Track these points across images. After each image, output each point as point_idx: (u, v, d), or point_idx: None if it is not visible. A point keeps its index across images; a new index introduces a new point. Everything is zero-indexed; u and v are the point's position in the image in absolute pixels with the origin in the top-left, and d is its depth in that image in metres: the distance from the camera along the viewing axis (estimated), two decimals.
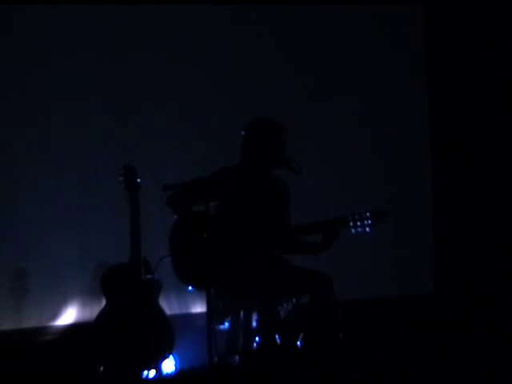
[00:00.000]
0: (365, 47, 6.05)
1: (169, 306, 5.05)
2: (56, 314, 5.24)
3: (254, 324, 4.19)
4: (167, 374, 4.43)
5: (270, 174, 4.38)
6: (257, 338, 4.14)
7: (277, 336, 4.13)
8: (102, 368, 4.38)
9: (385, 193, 5.96)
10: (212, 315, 3.93)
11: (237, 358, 4.16)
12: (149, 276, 4.49)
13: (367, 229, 4.15)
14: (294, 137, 5.44)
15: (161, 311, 4.51)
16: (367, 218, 4.15)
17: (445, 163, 6.16)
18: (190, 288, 4.17)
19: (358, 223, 4.15)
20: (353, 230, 4.17)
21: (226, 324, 4.18)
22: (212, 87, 5.64)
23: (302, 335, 4.18)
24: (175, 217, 4.24)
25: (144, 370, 4.39)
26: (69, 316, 5.27)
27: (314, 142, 5.84)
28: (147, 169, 4.98)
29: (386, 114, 6.10)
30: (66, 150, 5.33)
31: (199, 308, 5.28)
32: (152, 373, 4.39)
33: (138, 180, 4.55)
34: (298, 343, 4.17)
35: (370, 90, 6.05)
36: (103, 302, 4.50)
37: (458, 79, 6.05)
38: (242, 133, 4.31)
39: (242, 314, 4.20)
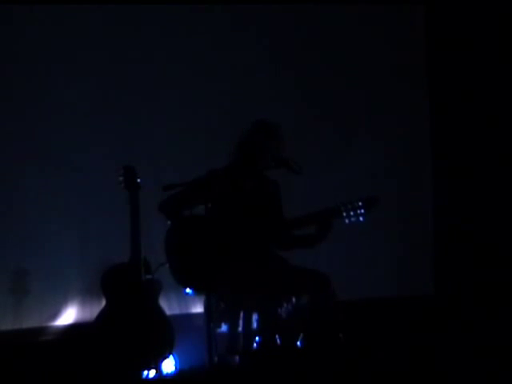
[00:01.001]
0: (365, 47, 6.05)
1: (169, 306, 5.04)
2: (56, 313, 5.24)
3: (254, 324, 4.19)
4: (167, 374, 4.43)
5: (260, 174, 4.39)
6: (257, 338, 4.14)
7: (277, 336, 4.13)
8: (101, 368, 4.38)
9: (385, 192, 5.95)
10: (212, 315, 3.94)
11: (237, 358, 4.16)
12: (149, 276, 4.49)
13: (361, 218, 4.18)
14: (294, 136, 5.46)
15: (161, 311, 4.51)
16: (360, 207, 4.17)
17: (445, 163, 6.16)
18: (189, 291, 4.18)
19: (351, 213, 4.18)
20: (346, 220, 4.20)
21: (224, 327, 4.18)
22: (212, 87, 5.64)
23: (301, 335, 4.18)
24: (168, 223, 4.24)
25: (144, 369, 4.39)
26: (69, 316, 5.27)
27: (313, 141, 5.84)
28: (147, 169, 4.98)
29: (385, 113, 6.10)
30: (66, 150, 5.33)
31: (199, 308, 5.26)
32: (152, 373, 4.40)
33: (138, 180, 4.54)
34: (298, 343, 4.17)
35: (370, 89, 6.05)
36: (103, 302, 4.50)
37: (458, 79, 6.05)
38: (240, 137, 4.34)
39: (241, 314, 4.20)
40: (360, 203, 4.19)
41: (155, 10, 5.53)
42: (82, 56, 5.37)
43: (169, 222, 4.25)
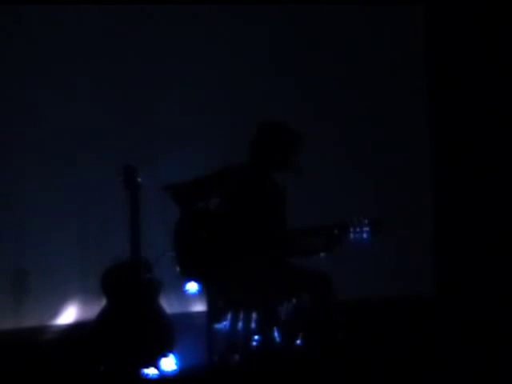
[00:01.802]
0: (364, 47, 6.05)
1: (169, 304, 5.04)
2: (56, 313, 5.25)
3: (254, 324, 4.19)
4: (167, 373, 4.43)
5: (271, 177, 4.39)
6: (256, 338, 4.14)
7: (277, 336, 4.13)
8: (102, 367, 4.38)
9: (385, 193, 5.96)
10: (212, 314, 3.94)
11: (237, 357, 4.17)
12: (149, 275, 4.49)
13: (364, 235, 4.19)
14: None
15: (161, 310, 4.52)
16: (365, 225, 4.19)
17: (445, 163, 6.16)
18: (192, 288, 4.18)
19: (357, 229, 4.20)
20: (351, 236, 4.22)
21: (224, 323, 4.18)
22: (212, 87, 5.64)
23: (301, 335, 4.18)
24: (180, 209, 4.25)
25: (144, 368, 4.39)
26: (69, 315, 5.28)
27: (313, 143, 5.83)
28: (147, 169, 4.98)
29: (385, 114, 6.10)
30: (66, 150, 5.33)
31: (199, 307, 5.28)
32: (152, 372, 4.40)
33: (139, 180, 4.55)
34: (298, 343, 4.17)
35: (370, 90, 6.06)
36: (103, 302, 4.50)
37: (457, 79, 6.05)
38: (258, 134, 4.33)
39: (241, 313, 4.20)
40: (366, 221, 4.22)
41: (155, 10, 5.53)
42: (82, 56, 5.37)
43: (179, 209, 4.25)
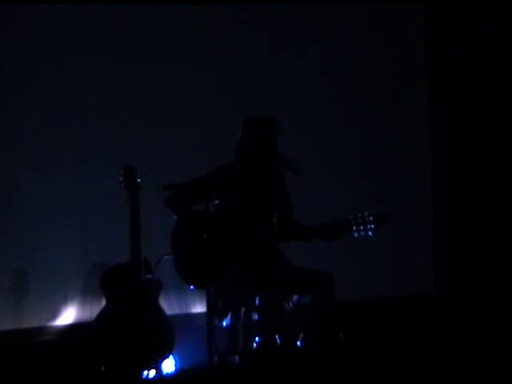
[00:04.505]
0: (365, 47, 6.05)
1: (169, 305, 5.04)
2: (56, 313, 5.24)
3: (254, 323, 4.19)
4: (167, 374, 4.43)
5: (265, 169, 4.38)
6: (257, 338, 4.14)
7: (277, 336, 4.13)
8: (102, 368, 4.38)
9: (385, 193, 5.96)
10: (212, 314, 3.94)
11: (237, 357, 4.16)
12: (149, 276, 4.49)
13: (370, 233, 4.16)
14: (295, 138, 5.49)
15: (161, 311, 4.51)
16: (370, 222, 4.15)
17: (445, 163, 6.17)
18: (192, 287, 4.19)
19: (361, 227, 4.16)
20: (355, 234, 4.18)
21: (225, 322, 4.18)
22: (212, 87, 5.64)
23: (302, 335, 4.18)
24: (175, 217, 4.25)
25: (144, 369, 4.39)
26: (69, 316, 5.27)
27: (313, 140, 5.85)
28: (147, 169, 4.98)
29: (385, 114, 6.11)
30: (66, 150, 5.32)
31: (199, 308, 5.29)
32: (152, 373, 4.40)
33: (138, 180, 4.55)
34: (298, 343, 4.17)
35: (370, 89, 6.06)
36: (103, 302, 4.50)
37: (457, 79, 6.06)
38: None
39: (242, 313, 4.20)
40: (371, 218, 4.17)
41: (155, 10, 5.53)
42: (82, 56, 5.36)
43: (175, 217, 4.24)
